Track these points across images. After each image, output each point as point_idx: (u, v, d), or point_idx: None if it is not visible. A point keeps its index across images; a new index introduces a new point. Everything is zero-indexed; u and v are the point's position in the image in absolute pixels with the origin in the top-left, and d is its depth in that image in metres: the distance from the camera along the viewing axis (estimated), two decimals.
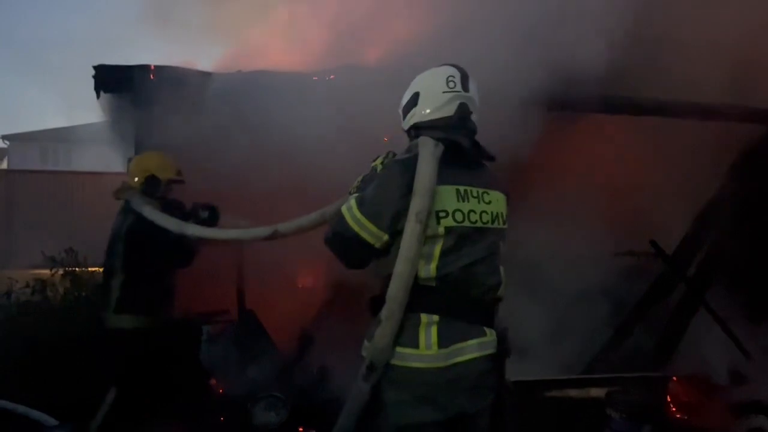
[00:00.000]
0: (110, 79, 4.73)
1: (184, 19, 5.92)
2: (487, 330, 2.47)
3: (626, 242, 5.38)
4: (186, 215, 4.16)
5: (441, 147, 2.42)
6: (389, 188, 2.40)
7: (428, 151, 2.39)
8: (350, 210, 2.44)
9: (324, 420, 4.25)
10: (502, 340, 2.50)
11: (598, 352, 4.95)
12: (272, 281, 5.00)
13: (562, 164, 4.95)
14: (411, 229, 2.34)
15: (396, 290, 2.36)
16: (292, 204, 4.21)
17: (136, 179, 4.18)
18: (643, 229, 5.25)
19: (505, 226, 2.58)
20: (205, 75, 4.65)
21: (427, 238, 2.37)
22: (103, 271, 4.26)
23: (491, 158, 2.59)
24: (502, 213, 2.56)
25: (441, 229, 2.39)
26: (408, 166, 2.39)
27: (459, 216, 2.42)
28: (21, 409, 4.00)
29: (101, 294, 4.23)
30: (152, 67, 4.64)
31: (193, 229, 3.74)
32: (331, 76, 4.67)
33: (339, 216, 2.49)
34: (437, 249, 2.39)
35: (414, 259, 2.35)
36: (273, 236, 3.23)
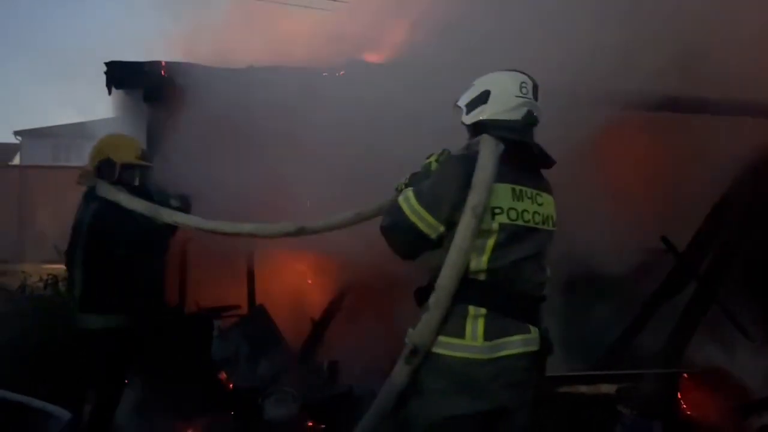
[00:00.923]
0: (122, 76, 4.75)
1: (195, 14, 5.93)
2: (532, 327, 2.53)
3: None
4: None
5: (501, 146, 2.50)
6: (448, 181, 2.49)
7: (489, 149, 2.47)
8: (408, 201, 2.52)
9: (334, 414, 4.31)
10: (544, 338, 2.56)
11: (609, 348, 4.94)
12: (283, 276, 5.02)
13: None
14: (467, 221, 2.41)
15: (447, 280, 2.43)
16: (300, 198, 4.24)
17: (92, 163, 3.83)
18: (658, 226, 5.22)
19: (554, 228, 2.66)
20: (216, 71, 4.66)
21: (481, 232, 2.44)
22: (66, 266, 3.90)
23: (552, 163, 2.68)
24: (552, 216, 2.65)
25: (495, 225, 2.46)
26: (468, 161, 2.48)
27: (513, 214, 2.50)
28: (36, 403, 4.01)
29: (67, 291, 3.88)
30: (163, 63, 4.66)
31: (204, 223, 3.44)
32: (341, 72, 4.67)
33: (396, 207, 2.55)
34: (490, 243, 2.46)
35: (467, 251, 2.42)
36: (299, 233, 3.16)
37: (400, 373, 2.49)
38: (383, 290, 4.60)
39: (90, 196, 3.78)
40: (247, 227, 3.41)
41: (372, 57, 4.83)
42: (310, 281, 5.43)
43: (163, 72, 4.62)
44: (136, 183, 3.88)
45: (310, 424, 4.33)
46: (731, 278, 5.21)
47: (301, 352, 5.00)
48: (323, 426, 4.32)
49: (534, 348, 2.52)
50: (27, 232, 13.19)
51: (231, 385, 4.60)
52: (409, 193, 2.54)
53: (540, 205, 2.59)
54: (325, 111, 4.10)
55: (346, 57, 4.72)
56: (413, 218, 2.49)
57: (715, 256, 5.26)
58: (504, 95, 2.64)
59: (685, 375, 4.57)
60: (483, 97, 2.67)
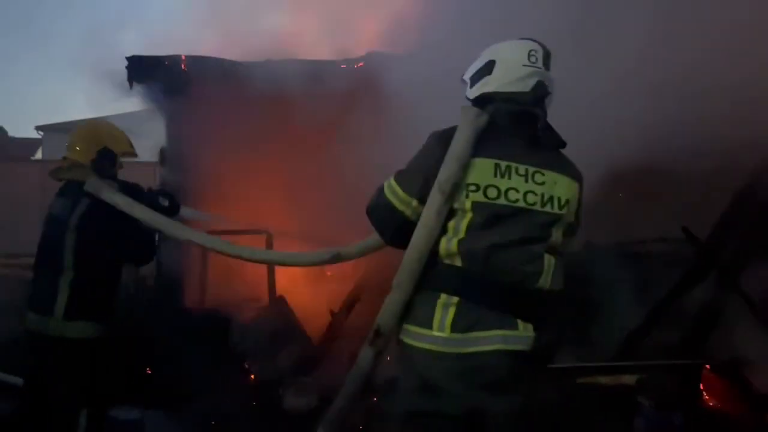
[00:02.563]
0: (142, 70, 4.80)
1: (213, 7, 5.96)
2: (522, 324, 2.21)
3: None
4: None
5: (485, 117, 2.26)
6: (423, 155, 2.31)
7: (466, 120, 2.24)
8: (388, 180, 2.37)
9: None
10: (545, 340, 2.23)
11: (630, 339, 4.91)
12: (303, 269, 5.04)
13: None
14: (432, 198, 2.22)
15: (409, 259, 2.25)
16: (317, 194, 4.26)
17: (84, 154, 3.44)
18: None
19: (563, 212, 2.30)
20: (235, 64, 4.69)
21: (456, 212, 2.24)
22: (39, 267, 3.46)
23: (561, 144, 2.39)
24: (559, 198, 2.29)
25: (468, 203, 2.22)
26: (445, 135, 2.27)
27: (492, 192, 2.23)
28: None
29: (36, 295, 3.40)
30: (183, 57, 4.70)
31: (229, 248, 3.03)
32: (360, 64, 4.68)
33: (378, 188, 2.40)
34: (464, 224, 2.23)
35: (432, 229, 2.23)
36: (334, 260, 2.88)
37: (365, 356, 2.38)
38: None
39: (70, 191, 3.41)
40: (278, 256, 3.19)
41: (390, 48, 4.82)
42: (329, 273, 5.46)
43: (183, 66, 4.67)
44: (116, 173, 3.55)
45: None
46: (753, 268, 5.14)
47: (321, 344, 5.04)
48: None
49: (518, 347, 2.18)
50: None
51: (252, 376, 4.66)
52: (393, 173, 2.38)
53: (539, 184, 2.27)
54: (342, 102, 4.11)
55: (365, 48, 4.73)
56: (389, 196, 2.33)
57: (736, 246, 5.20)
58: (510, 64, 2.36)
59: (707, 366, 4.52)
60: (488, 68, 2.40)
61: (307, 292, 5.13)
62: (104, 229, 3.28)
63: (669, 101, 3.80)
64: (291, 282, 5.11)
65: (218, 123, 4.30)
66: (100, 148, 3.45)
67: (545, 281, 2.26)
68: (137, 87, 4.94)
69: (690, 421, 4.23)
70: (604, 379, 4.37)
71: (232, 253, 3.04)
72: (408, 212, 2.30)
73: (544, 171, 2.30)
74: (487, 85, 2.39)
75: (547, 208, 2.28)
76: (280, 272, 5.13)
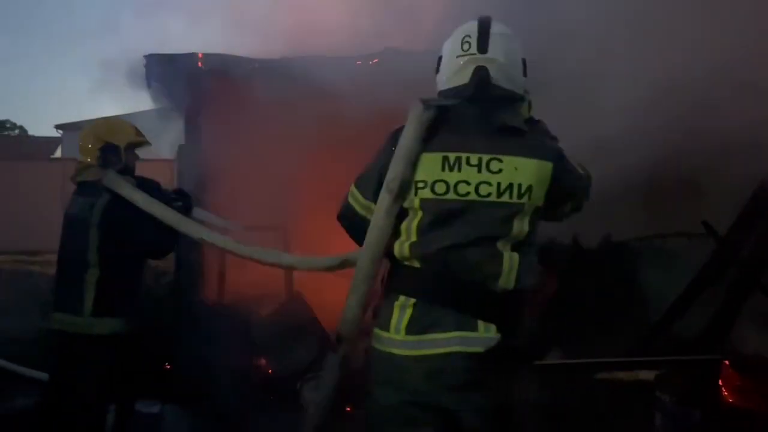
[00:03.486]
0: (160, 68, 4.84)
1: (230, 5, 5.99)
2: (482, 324, 2.08)
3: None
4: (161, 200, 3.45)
5: (432, 111, 2.14)
6: (377, 157, 2.24)
7: (413, 116, 2.14)
8: (351, 185, 2.31)
9: None
10: (512, 341, 2.11)
11: (649, 335, 4.89)
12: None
13: None
14: (380, 198, 2.16)
15: (362, 262, 2.21)
16: (335, 190, 4.27)
17: (91, 153, 3.45)
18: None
19: (523, 201, 2.12)
20: (252, 62, 4.72)
21: (407, 211, 2.16)
22: (62, 268, 3.48)
23: (513, 130, 2.18)
24: (520, 185, 2.11)
25: (416, 201, 2.13)
26: (395, 134, 2.19)
27: (440, 187, 2.11)
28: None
29: (62, 296, 3.42)
30: (200, 55, 4.73)
31: (239, 248, 3.03)
32: (375, 60, 4.69)
33: (345, 194, 2.33)
34: (414, 225, 2.14)
35: (381, 229, 2.15)
36: (342, 266, 2.77)
37: (331, 362, 2.38)
38: None
39: (88, 190, 3.44)
40: (288, 259, 3.20)
41: (406, 44, 4.83)
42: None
43: (199, 63, 4.70)
44: (133, 166, 3.56)
45: (348, 409, 4.38)
46: None
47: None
48: (361, 411, 4.37)
49: (477, 349, 2.06)
50: None
51: (269, 371, 4.70)
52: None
53: (495, 172, 2.10)
54: (359, 99, 4.12)
55: (381, 45, 4.73)
56: (352, 201, 2.28)
57: (757, 240, 5.15)
58: (448, 58, 2.25)
59: (726, 362, 4.49)
60: (437, 66, 2.31)
61: (325, 288, 5.15)
62: (126, 223, 3.28)
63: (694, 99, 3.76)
64: (308, 277, 5.13)
65: (235, 120, 4.33)
66: (102, 145, 3.45)
67: (507, 281, 2.11)
68: (155, 85, 4.98)
69: (708, 417, 4.20)
70: (622, 375, 4.36)
71: (242, 253, 3.04)
72: (369, 216, 2.22)
73: (502, 157, 2.12)
74: (438, 84, 2.31)
75: (505, 198, 2.11)
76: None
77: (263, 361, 4.77)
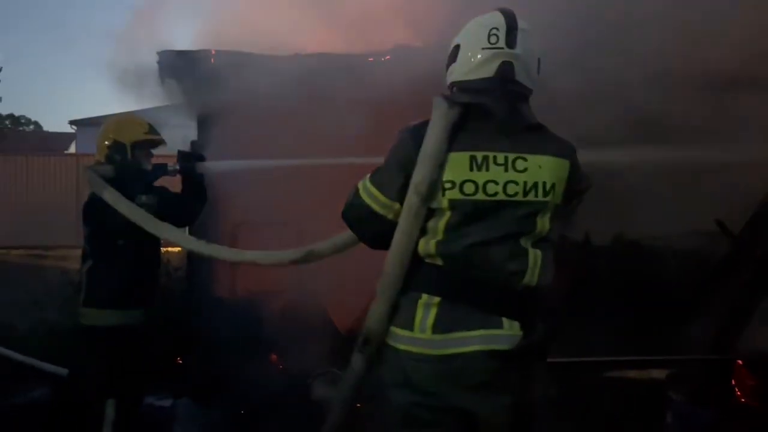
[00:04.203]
0: (173, 64, 4.86)
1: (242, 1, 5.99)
2: (506, 322, 2.12)
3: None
4: (150, 173, 3.53)
5: (457, 109, 2.13)
6: (397, 155, 2.20)
7: (438, 114, 2.12)
8: (363, 182, 2.27)
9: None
10: (533, 338, 2.13)
11: (660, 333, 4.85)
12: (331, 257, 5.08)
13: None
14: (408, 201, 2.13)
15: (390, 265, 2.19)
16: (350, 188, 4.28)
17: (101, 150, 3.53)
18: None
19: (548, 198, 2.15)
20: (264, 58, 4.73)
21: (433, 211, 2.14)
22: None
23: (534, 127, 2.23)
24: (545, 183, 2.14)
25: (445, 202, 2.11)
26: (418, 130, 2.16)
27: (469, 188, 2.10)
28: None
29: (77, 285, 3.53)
30: (213, 52, 4.74)
31: (203, 248, 3.10)
32: (387, 57, 4.68)
33: (353, 190, 2.31)
34: (441, 224, 2.13)
35: (410, 233, 2.14)
36: (307, 259, 2.89)
37: (355, 362, 2.36)
38: None
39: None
40: (250, 255, 3.21)
41: (418, 41, 4.81)
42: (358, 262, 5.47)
43: (212, 60, 4.72)
44: (149, 166, 3.63)
45: (358, 405, 4.40)
46: None
47: (349, 334, 5.06)
48: (371, 406, 4.38)
49: (503, 346, 2.08)
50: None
51: (280, 366, 4.71)
52: (367, 175, 2.28)
53: (521, 171, 2.12)
54: (372, 96, 4.11)
55: (393, 42, 4.72)
56: (367, 199, 2.24)
57: None
58: (470, 49, 2.20)
59: (739, 362, 4.46)
60: (454, 54, 2.26)
61: (337, 283, 5.16)
62: (103, 216, 3.31)
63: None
64: (319, 271, 5.14)
65: (247, 116, 4.34)
66: (110, 142, 3.51)
67: (531, 279, 2.15)
68: (168, 81, 5.00)
69: (721, 417, 4.18)
70: (633, 374, 4.35)
71: (208, 253, 3.12)
72: (390, 215, 2.21)
73: (526, 156, 2.15)
74: (453, 74, 2.27)
75: (530, 197, 2.14)
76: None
77: (275, 357, 4.78)
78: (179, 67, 4.87)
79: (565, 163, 2.20)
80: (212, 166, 3.79)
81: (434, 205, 2.13)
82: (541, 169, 2.15)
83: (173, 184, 3.82)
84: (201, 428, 4.24)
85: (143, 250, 3.50)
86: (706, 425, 4.02)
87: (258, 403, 4.43)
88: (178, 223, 3.53)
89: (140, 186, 3.48)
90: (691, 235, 5.12)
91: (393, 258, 2.18)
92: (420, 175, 2.10)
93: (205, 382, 4.50)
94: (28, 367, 4.89)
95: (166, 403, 4.30)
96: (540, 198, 2.15)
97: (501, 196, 2.12)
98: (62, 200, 17.10)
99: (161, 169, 3.59)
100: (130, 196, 3.36)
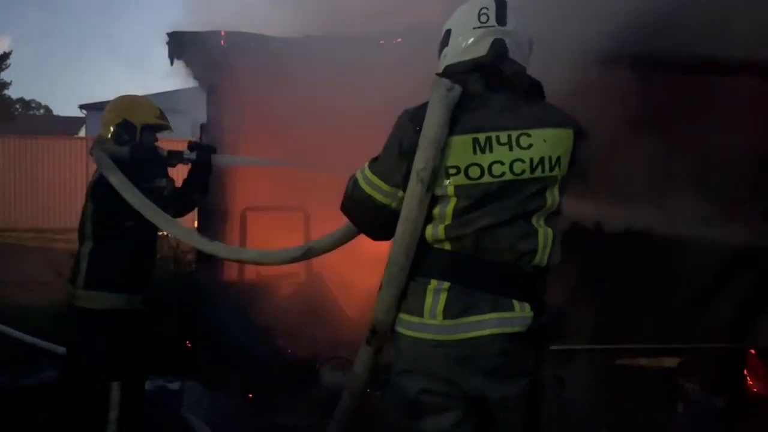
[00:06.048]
0: (183, 46, 4.83)
1: None
2: (517, 304, 2.07)
3: None
4: (165, 159, 3.45)
5: (457, 90, 2.05)
6: (396, 140, 2.13)
7: (437, 97, 2.04)
8: (362, 171, 2.20)
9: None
10: (545, 319, 2.10)
11: (675, 322, 4.82)
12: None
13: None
14: (411, 188, 2.06)
15: (396, 254, 2.12)
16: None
17: (108, 128, 3.41)
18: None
19: (554, 173, 2.10)
20: (275, 40, 4.68)
21: (438, 198, 2.08)
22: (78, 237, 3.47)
23: (537, 87, 2.17)
24: (550, 157, 2.08)
25: (450, 189, 2.05)
26: (418, 114, 2.08)
27: (475, 172, 2.04)
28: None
29: (71, 265, 3.44)
30: (223, 33, 4.71)
31: (205, 244, 2.99)
32: (398, 39, 4.62)
33: (352, 180, 2.23)
34: (449, 210, 2.07)
35: (415, 221, 2.08)
36: (306, 256, 2.81)
37: (363, 352, 2.33)
38: None
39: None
40: (250, 254, 3.20)
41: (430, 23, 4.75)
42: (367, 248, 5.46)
43: (222, 42, 4.68)
44: (164, 152, 3.51)
45: (368, 390, 4.39)
46: None
47: (358, 319, 5.06)
48: (379, 393, 4.37)
49: (516, 329, 2.05)
50: None
51: (289, 351, 4.71)
52: (366, 163, 2.21)
53: (525, 148, 2.06)
54: (383, 78, 4.07)
55: (404, 24, 4.66)
56: (368, 189, 2.17)
57: None
58: (462, 30, 2.18)
59: (753, 351, 4.42)
60: (445, 39, 2.24)
61: (345, 268, 5.15)
62: (113, 196, 3.16)
63: None
64: (328, 258, 5.13)
65: (257, 99, 4.31)
66: (119, 121, 3.40)
67: (542, 258, 2.11)
68: (178, 63, 4.97)
69: (732, 406, 4.15)
70: (644, 362, 4.32)
71: (205, 249, 3.04)
72: (394, 204, 2.14)
73: (530, 131, 2.08)
74: (447, 58, 2.23)
75: (538, 173, 2.08)
76: None
77: (282, 342, 4.78)
78: (189, 49, 4.83)
79: (569, 133, 2.14)
80: (226, 159, 3.73)
81: (439, 191, 2.07)
82: (546, 143, 2.09)
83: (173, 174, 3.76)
84: (209, 411, 4.25)
85: (148, 232, 3.40)
86: (718, 414, 3.99)
87: (265, 388, 4.43)
88: (177, 214, 3.48)
89: (156, 170, 3.41)
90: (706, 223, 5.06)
91: (398, 247, 2.12)
92: (422, 161, 2.03)
93: (213, 366, 4.50)
94: (38, 349, 4.91)
95: (175, 386, 4.31)
96: (547, 173, 2.09)
97: (508, 176, 2.06)
98: (72, 184, 17.19)
99: (177, 157, 3.50)
100: (147, 179, 3.32)
